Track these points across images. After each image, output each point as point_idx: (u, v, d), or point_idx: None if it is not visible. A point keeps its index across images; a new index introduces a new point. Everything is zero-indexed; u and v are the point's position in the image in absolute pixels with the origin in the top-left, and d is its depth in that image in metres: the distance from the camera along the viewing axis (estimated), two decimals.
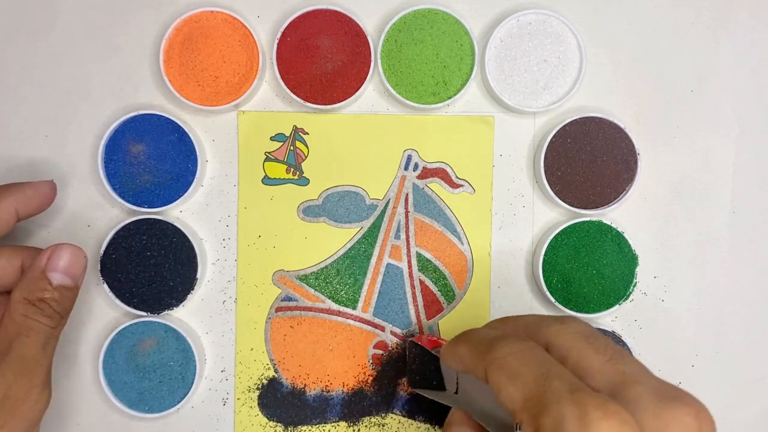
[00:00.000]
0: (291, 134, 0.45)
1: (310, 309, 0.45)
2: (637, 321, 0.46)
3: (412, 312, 0.45)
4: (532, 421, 0.26)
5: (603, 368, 0.28)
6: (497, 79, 0.44)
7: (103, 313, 0.44)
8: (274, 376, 0.44)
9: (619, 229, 0.44)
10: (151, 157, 0.43)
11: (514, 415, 0.28)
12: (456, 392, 0.38)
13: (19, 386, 0.35)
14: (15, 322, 0.36)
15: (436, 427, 0.45)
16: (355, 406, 0.45)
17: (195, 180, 0.43)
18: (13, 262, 0.38)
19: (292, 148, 0.45)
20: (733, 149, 0.46)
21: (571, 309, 0.44)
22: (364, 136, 0.45)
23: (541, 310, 0.45)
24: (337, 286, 0.45)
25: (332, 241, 0.45)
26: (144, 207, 0.43)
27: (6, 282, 0.38)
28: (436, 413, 0.45)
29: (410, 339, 0.42)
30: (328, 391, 0.45)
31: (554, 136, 0.44)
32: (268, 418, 0.44)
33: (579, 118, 0.44)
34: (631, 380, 0.27)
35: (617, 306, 0.44)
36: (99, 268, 0.43)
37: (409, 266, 0.45)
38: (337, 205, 0.45)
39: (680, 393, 0.27)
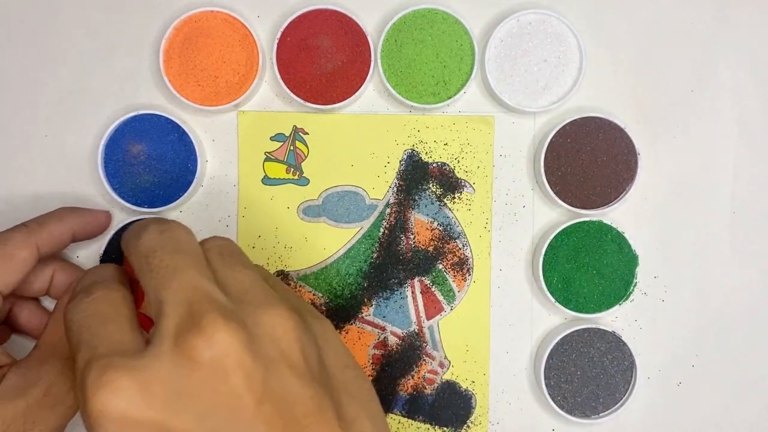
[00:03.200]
0: (291, 134, 0.45)
1: None
2: (637, 321, 0.46)
3: (411, 312, 0.45)
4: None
5: (151, 296, 0.28)
6: (497, 79, 0.44)
7: None
8: None
9: (619, 229, 0.44)
10: (151, 157, 0.43)
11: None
12: None
13: (60, 386, 0.36)
14: (60, 327, 0.37)
15: (436, 427, 0.45)
16: None
17: (195, 180, 0.43)
18: (45, 271, 0.41)
19: (292, 148, 0.45)
20: (733, 149, 0.46)
21: (571, 309, 0.44)
22: (364, 136, 0.45)
23: (541, 310, 0.45)
24: (337, 286, 0.45)
25: (332, 241, 0.45)
26: (144, 207, 0.43)
27: (37, 288, 0.41)
28: (436, 413, 0.45)
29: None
30: None
31: (554, 136, 0.44)
32: None
33: (579, 118, 0.44)
34: (163, 312, 0.27)
35: (617, 306, 0.44)
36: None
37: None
38: (337, 205, 0.45)
39: (205, 312, 0.27)
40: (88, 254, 0.44)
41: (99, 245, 0.44)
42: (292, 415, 0.26)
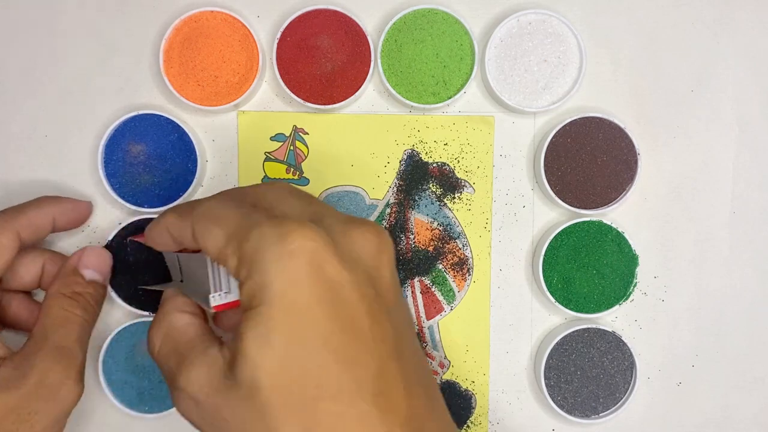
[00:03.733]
0: (291, 134, 0.45)
1: None
2: (637, 321, 0.46)
3: (411, 312, 0.45)
4: (236, 250, 0.29)
5: (302, 209, 0.31)
6: (497, 79, 0.44)
7: (103, 313, 0.44)
8: None
9: (619, 229, 0.44)
10: (151, 157, 0.43)
11: (220, 254, 0.30)
12: (181, 281, 0.39)
13: (54, 375, 0.36)
14: (52, 315, 0.38)
15: None
16: None
17: (195, 180, 0.43)
18: (36, 263, 0.41)
19: (292, 148, 0.45)
20: (733, 149, 0.46)
21: (571, 309, 0.44)
22: (364, 136, 0.45)
23: (541, 310, 0.45)
24: None
25: None
26: (144, 207, 0.43)
27: (28, 281, 0.41)
28: None
29: (130, 238, 0.43)
30: None
31: (554, 136, 0.44)
32: None
33: (579, 118, 0.44)
34: (324, 214, 0.31)
35: (617, 306, 0.44)
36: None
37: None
38: (337, 205, 0.45)
39: (364, 220, 0.31)
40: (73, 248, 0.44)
41: (100, 243, 0.44)
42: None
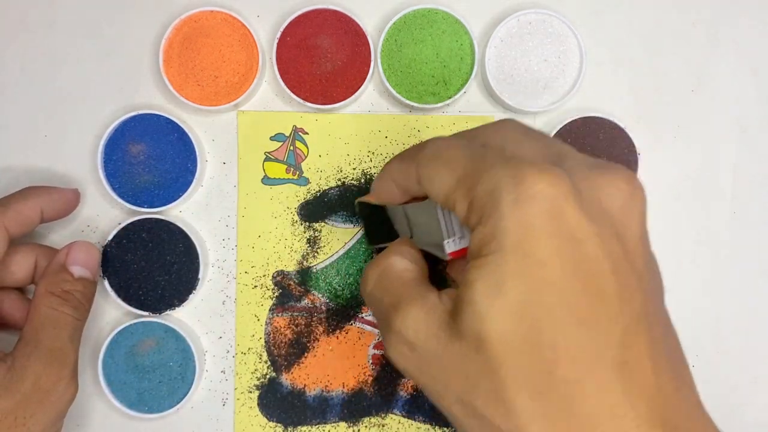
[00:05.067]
0: (291, 134, 0.45)
1: (310, 309, 0.45)
2: None
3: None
4: (467, 194, 0.27)
5: (541, 151, 0.29)
6: (497, 79, 0.44)
7: (102, 313, 0.44)
8: (273, 376, 0.44)
9: None
10: (150, 157, 0.43)
11: (448, 199, 0.28)
12: (411, 237, 0.37)
13: (48, 377, 0.35)
14: (42, 315, 0.37)
15: (436, 427, 0.45)
16: (355, 406, 0.45)
17: (195, 180, 0.43)
18: (28, 258, 0.40)
19: (291, 148, 0.45)
20: (733, 149, 0.46)
21: None
22: (364, 136, 0.45)
23: None
24: (337, 286, 0.45)
25: (332, 241, 0.45)
26: (144, 207, 0.43)
27: (20, 277, 0.40)
28: (436, 413, 0.45)
29: (357, 200, 0.41)
30: (328, 391, 0.45)
31: (554, 136, 0.44)
32: (267, 419, 0.44)
33: (579, 118, 0.44)
34: (567, 156, 0.28)
35: None
36: (99, 268, 0.43)
37: None
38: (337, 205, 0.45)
39: (609, 164, 0.28)
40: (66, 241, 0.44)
41: (99, 245, 0.44)
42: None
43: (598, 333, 0.25)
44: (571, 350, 0.25)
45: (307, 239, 0.45)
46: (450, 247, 0.31)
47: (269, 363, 0.44)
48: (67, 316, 0.37)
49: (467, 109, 0.45)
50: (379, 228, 0.39)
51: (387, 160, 0.45)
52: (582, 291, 0.25)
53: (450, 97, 0.44)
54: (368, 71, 0.43)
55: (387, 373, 0.45)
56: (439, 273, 0.38)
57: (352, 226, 0.45)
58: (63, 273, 0.39)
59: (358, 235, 0.45)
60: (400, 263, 0.31)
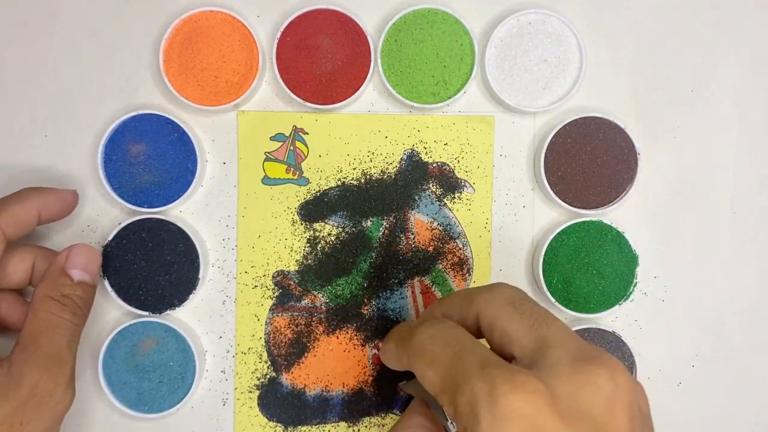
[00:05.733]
0: (291, 134, 0.45)
1: (310, 309, 0.45)
2: (637, 321, 0.46)
3: (411, 312, 0.45)
4: (451, 401, 0.27)
5: (526, 334, 0.29)
6: (497, 79, 0.44)
7: (102, 313, 0.44)
8: (274, 376, 0.44)
9: (619, 229, 0.44)
10: (150, 157, 0.43)
11: (437, 398, 0.29)
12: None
13: (45, 383, 0.35)
14: (40, 319, 0.37)
15: None
16: (355, 406, 0.45)
17: (195, 180, 0.43)
18: (25, 260, 0.40)
19: (292, 148, 0.45)
20: (733, 149, 0.46)
21: (571, 309, 0.44)
22: (364, 136, 0.45)
23: None
24: (337, 287, 0.45)
25: (332, 241, 0.45)
26: (144, 207, 0.43)
27: (17, 279, 0.40)
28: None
29: (399, 387, 0.42)
30: (328, 391, 0.45)
31: (554, 136, 0.44)
32: (268, 419, 0.44)
33: (579, 118, 0.44)
34: (550, 344, 0.28)
35: (617, 306, 0.44)
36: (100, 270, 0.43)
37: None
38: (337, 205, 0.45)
39: (597, 353, 0.28)
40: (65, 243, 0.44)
41: (99, 245, 0.44)
42: None
43: None
44: None
45: (307, 239, 0.45)
46: (454, 427, 0.32)
47: (269, 363, 0.44)
48: (66, 321, 0.37)
49: (467, 109, 0.45)
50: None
51: (387, 159, 0.45)
52: None
53: (450, 97, 0.44)
54: (368, 71, 0.43)
55: (387, 373, 0.45)
56: None
57: (351, 225, 0.45)
58: (62, 277, 0.38)
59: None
60: None
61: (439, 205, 0.45)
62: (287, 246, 0.45)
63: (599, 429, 0.26)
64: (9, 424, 0.34)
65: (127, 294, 0.43)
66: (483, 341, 0.31)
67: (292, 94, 0.43)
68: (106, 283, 0.43)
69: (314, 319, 0.45)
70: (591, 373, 0.27)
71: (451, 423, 0.31)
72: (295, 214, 0.45)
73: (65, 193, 0.41)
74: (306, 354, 0.45)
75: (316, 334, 0.45)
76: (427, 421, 0.33)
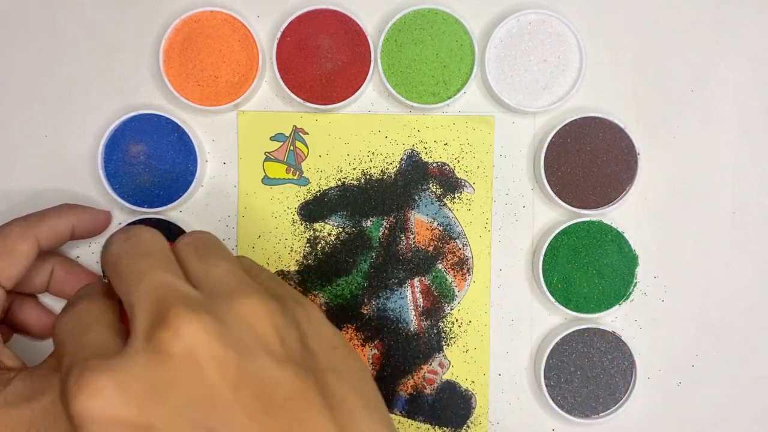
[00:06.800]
0: (291, 134, 0.45)
1: None
2: (637, 321, 0.46)
3: (411, 312, 0.45)
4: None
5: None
6: (497, 79, 0.44)
7: None
8: None
9: (619, 229, 0.44)
10: (151, 157, 0.43)
11: None
12: None
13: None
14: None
15: (436, 427, 0.45)
16: None
17: (195, 180, 0.43)
18: (46, 266, 0.41)
19: (292, 148, 0.45)
20: (733, 149, 0.46)
21: (571, 309, 0.44)
22: (364, 136, 0.45)
23: (541, 310, 0.45)
24: (337, 287, 0.45)
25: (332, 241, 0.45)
26: (144, 207, 0.43)
27: (37, 284, 0.41)
28: (436, 413, 0.45)
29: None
30: None
31: (554, 136, 0.44)
32: None
33: (579, 118, 0.44)
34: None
35: (617, 306, 0.44)
36: (100, 268, 0.43)
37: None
38: (337, 206, 0.45)
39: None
40: (87, 254, 0.44)
41: (99, 246, 0.44)
42: (272, 398, 0.27)
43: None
44: None
45: (307, 239, 0.45)
46: None
47: None
48: None
49: (467, 109, 0.45)
50: None
51: (387, 159, 0.45)
52: None
53: (450, 97, 0.44)
54: (368, 71, 0.43)
55: (387, 373, 0.45)
56: None
57: (351, 225, 0.45)
58: None
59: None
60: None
61: (439, 205, 0.45)
62: (287, 246, 0.45)
63: (185, 402, 0.27)
64: (26, 429, 0.34)
65: None
66: None
67: (292, 94, 0.43)
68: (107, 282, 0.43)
69: None
70: (157, 342, 0.27)
71: None
72: (295, 214, 0.45)
73: (100, 213, 0.43)
74: None
75: None
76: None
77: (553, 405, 0.43)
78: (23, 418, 0.34)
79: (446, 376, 0.45)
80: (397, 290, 0.45)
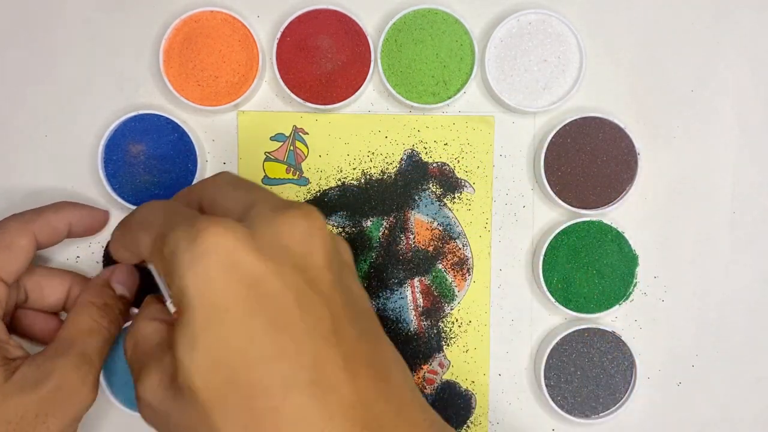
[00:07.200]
0: (291, 134, 0.45)
1: None
2: (637, 321, 0.46)
3: (411, 312, 0.45)
4: (158, 255, 0.29)
5: (238, 201, 0.31)
6: (497, 79, 0.44)
7: None
8: None
9: (619, 229, 0.44)
10: (151, 157, 0.43)
11: (148, 262, 0.30)
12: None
13: (73, 380, 0.36)
14: (80, 322, 0.38)
15: None
16: None
17: (195, 180, 0.43)
18: (63, 284, 0.41)
19: (292, 148, 0.45)
20: (733, 149, 0.46)
21: (571, 309, 0.44)
22: (364, 136, 0.45)
23: (541, 310, 0.45)
24: None
25: None
26: None
27: (52, 302, 0.41)
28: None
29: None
30: None
31: (554, 136, 0.44)
32: None
33: (579, 118, 0.44)
34: (254, 203, 0.31)
35: (617, 306, 0.44)
36: (100, 269, 0.43)
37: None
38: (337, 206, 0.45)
39: (294, 203, 0.31)
40: (88, 254, 0.44)
41: (99, 246, 0.44)
42: (356, 305, 0.31)
43: (286, 361, 0.28)
44: (265, 382, 0.27)
45: None
46: (171, 307, 0.33)
47: None
48: (103, 329, 0.38)
49: (467, 109, 0.45)
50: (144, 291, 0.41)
51: (387, 159, 0.45)
52: (266, 325, 0.28)
53: (450, 97, 0.44)
54: (368, 71, 0.43)
55: None
56: None
57: (351, 225, 0.45)
58: (107, 288, 0.40)
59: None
60: (147, 327, 0.33)
61: (439, 205, 0.45)
62: None
63: (297, 260, 0.29)
64: (34, 414, 0.35)
65: None
66: None
67: (292, 94, 0.43)
68: None
69: None
70: (290, 215, 0.30)
71: (170, 301, 0.32)
72: None
73: (98, 211, 0.43)
74: None
75: None
76: (161, 303, 0.34)
77: (553, 405, 0.43)
78: (31, 403, 0.35)
79: (446, 376, 0.45)
80: (397, 290, 0.45)
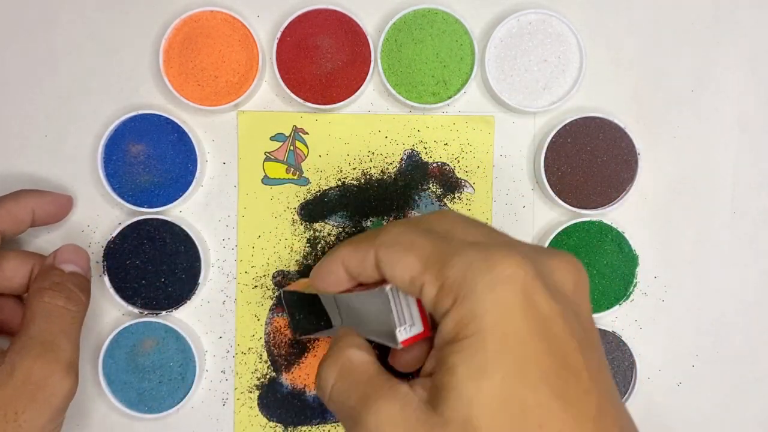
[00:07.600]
0: (291, 134, 0.45)
1: None
2: (637, 321, 0.46)
3: None
4: (437, 277, 0.27)
5: (488, 238, 0.30)
6: (497, 79, 0.44)
7: (102, 313, 0.44)
8: (273, 376, 0.44)
9: (619, 229, 0.44)
10: (150, 157, 0.43)
11: (413, 283, 0.28)
12: (342, 323, 0.38)
13: (38, 371, 0.35)
14: (33, 309, 0.37)
15: None
16: None
17: (195, 180, 0.43)
18: (25, 265, 0.40)
19: (291, 148, 0.45)
20: (733, 149, 0.46)
21: None
22: (364, 136, 0.45)
23: None
24: None
25: (332, 241, 0.45)
26: (144, 207, 0.43)
27: (16, 284, 0.40)
28: None
29: (282, 290, 0.42)
30: None
31: (554, 136, 0.44)
32: (268, 419, 0.44)
33: (579, 118, 0.44)
34: (514, 244, 0.30)
35: (617, 306, 0.44)
36: (100, 268, 0.43)
37: None
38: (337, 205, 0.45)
39: (557, 251, 0.30)
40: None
41: (99, 246, 0.44)
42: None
43: (576, 409, 0.26)
44: (555, 427, 0.25)
45: (307, 239, 0.45)
46: (402, 335, 0.31)
47: (269, 363, 0.44)
48: (60, 308, 0.37)
49: (467, 109, 0.45)
50: (306, 318, 0.41)
51: (387, 160, 0.45)
52: (559, 368, 0.26)
53: (450, 97, 0.44)
54: (368, 71, 0.43)
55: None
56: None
57: (351, 225, 0.45)
58: (53, 270, 0.39)
59: None
60: (359, 356, 0.30)
61: (439, 205, 0.45)
62: (287, 246, 0.45)
63: (574, 307, 0.28)
64: (3, 413, 0.34)
65: (127, 294, 0.43)
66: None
67: (292, 94, 0.43)
68: (107, 282, 0.43)
69: None
70: (560, 260, 0.29)
71: (402, 328, 0.31)
72: (295, 214, 0.45)
73: (60, 196, 0.42)
74: (306, 354, 0.45)
75: None
76: (362, 338, 0.32)
77: None
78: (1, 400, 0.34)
79: None
80: None
